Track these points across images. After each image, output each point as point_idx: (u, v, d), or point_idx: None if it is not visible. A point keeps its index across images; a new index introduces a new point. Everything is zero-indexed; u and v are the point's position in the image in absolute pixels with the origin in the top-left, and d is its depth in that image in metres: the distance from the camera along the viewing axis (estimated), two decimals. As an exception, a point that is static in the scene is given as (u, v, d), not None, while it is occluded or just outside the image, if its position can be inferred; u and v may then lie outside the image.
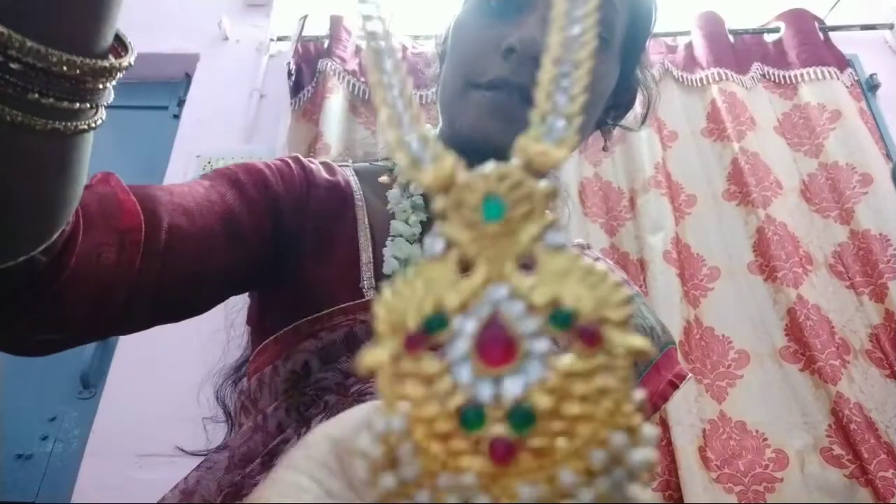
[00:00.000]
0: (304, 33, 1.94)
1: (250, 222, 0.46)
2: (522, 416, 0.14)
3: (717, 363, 1.46)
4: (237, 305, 0.59)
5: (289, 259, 0.50)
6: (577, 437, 0.14)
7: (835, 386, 1.37)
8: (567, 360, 0.14)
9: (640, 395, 0.14)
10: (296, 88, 1.86)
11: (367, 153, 1.74)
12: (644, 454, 0.13)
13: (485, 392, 0.14)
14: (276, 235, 0.49)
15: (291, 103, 1.83)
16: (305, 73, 1.89)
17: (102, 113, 0.31)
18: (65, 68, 0.27)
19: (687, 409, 1.38)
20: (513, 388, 0.14)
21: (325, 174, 0.55)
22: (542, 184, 0.16)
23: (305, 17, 1.93)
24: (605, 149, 0.64)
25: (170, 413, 1.17)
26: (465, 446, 0.14)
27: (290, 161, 0.54)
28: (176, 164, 1.83)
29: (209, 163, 1.83)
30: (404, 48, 1.91)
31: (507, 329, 0.15)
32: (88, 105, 0.29)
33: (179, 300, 0.43)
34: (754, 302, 1.54)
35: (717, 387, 1.43)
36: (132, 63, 0.31)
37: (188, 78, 2.05)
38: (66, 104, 0.28)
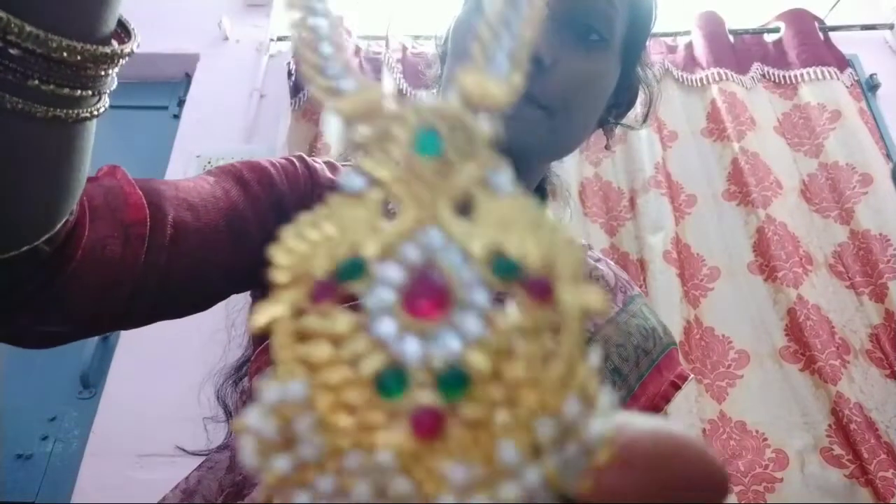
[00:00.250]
0: (304, 33, 1.93)
1: (254, 219, 0.46)
2: (454, 381, 0.11)
3: (717, 363, 1.47)
4: (238, 304, 0.59)
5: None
6: (521, 405, 0.11)
7: (835, 386, 1.37)
8: (511, 316, 0.12)
9: (595, 357, 0.12)
10: (296, 88, 1.86)
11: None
12: (603, 425, 0.11)
13: (411, 349, 0.12)
14: (280, 233, 0.49)
15: (291, 103, 1.83)
16: (305, 73, 1.88)
17: (105, 100, 0.30)
18: (65, 54, 0.26)
19: (687, 409, 1.38)
20: (449, 345, 0.12)
21: (328, 173, 0.55)
22: (485, 124, 0.13)
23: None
24: (607, 147, 0.64)
25: (170, 413, 1.17)
26: (381, 419, 0.11)
27: (294, 160, 0.54)
28: (176, 164, 1.83)
29: (209, 163, 1.83)
30: (404, 48, 1.91)
31: (440, 278, 0.12)
32: (90, 92, 0.29)
33: (183, 295, 0.43)
34: (754, 302, 1.54)
35: (717, 387, 1.43)
36: (135, 50, 0.30)
37: (188, 78, 2.05)
38: (67, 91, 0.27)
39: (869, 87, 1.89)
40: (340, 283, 0.12)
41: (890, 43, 2.01)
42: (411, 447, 0.11)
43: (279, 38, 2.03)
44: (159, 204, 0.40)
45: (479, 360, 0.11)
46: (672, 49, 1.94)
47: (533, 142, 0.50)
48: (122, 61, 0.29)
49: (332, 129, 1.72)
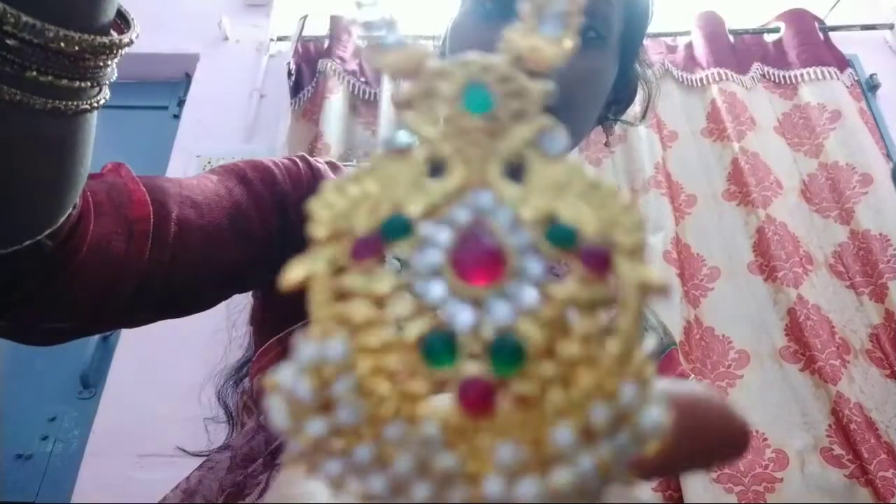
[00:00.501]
0: (304, 33, 1.94)
1: (258, 218, 0.46)
2: (508, 353, 0.11)
3: (717, 363, 1.47)
4: (239, 305, 0.59)
5: (294, 257, 0.50)
6: (576, 385, 0.10)
7: (835, 386, 1.37)
8: (568, 288, 0.11)
9: (651, 342, 0.11)
10: (296, 88, 1.86)
11: (368, 153, 1.74)
12: (658, 414, 0.10)
13: (463, 316, 0.11)
14: (283, 233, 0.49)
15: (291, 103, 1.83)
16: (305, 73, 1.89)
17: (106, 92, 0.30)
18: (62, 44, 0.26)
19: (687, 409, 1.38)
20: (501, 314, 0.11)
21: (331, 174, 0.55)
22: (538, 83, 0.12)
23: (305, 17, 1.93)
24: (607, 144, 0.64)
25: (170, 413, 1.17)
26: (426, 389, 0.11)
27: (297, 160, 0.54)
28: (176, 164, 1.83)
29: (209, 163, 1.83)
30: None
31: (493, 242, 0.11)
32: (90, 83, 0.28)
33: (186, 293, 0.43)
34: (754, 302, 1.54)
35: (717, 387, 1.43)
36: (133, 40, 0.30)
37: (188, 78, 2.05)
38: (65, 82, 0.27)
39: (869, 87, 1.89)
40: (384, 242, 0.11)
41: (890, 43, 2.01)
42: (458, 422, 0.10)
43: (279, 38, 2.03)
44: (163, 201, 0.40)
45: (533, 333, 0.11)
46: (672, 49, 1.94)
47: None
48: (121, 52, 0.29)
49: (332, 129, 1.73)
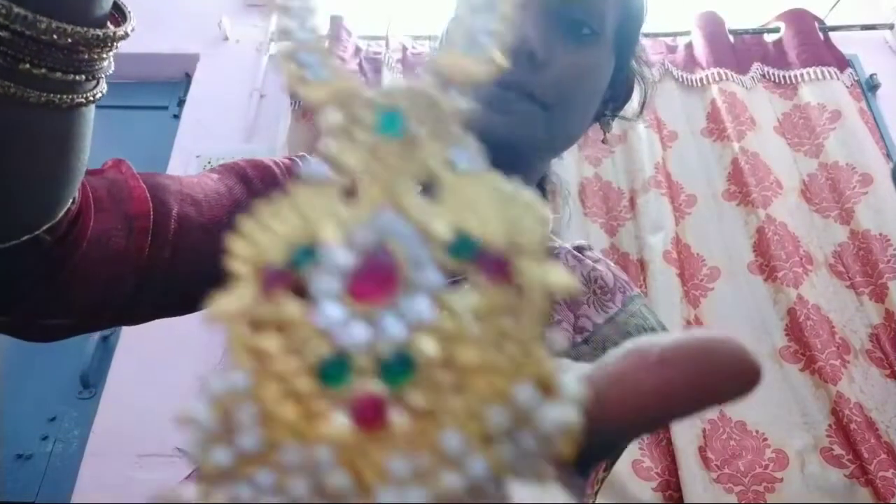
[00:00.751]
0: (304, 33, 1.93)
1: None
2: (398, 367, 0.11)
3: (718, 363, 1.46)
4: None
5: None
6: (472, 392, 0.10)
7: (835, 386, 1.37)
8: (464, 297, 0.11)
9: (560, 339, 0.11)
10: (296, 88, 1.86)
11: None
12: (562, 412, 0.10)
13: (356, 334, 0.11)
14: None
15: (291, 103, 1.83)
16: (305, 73, 1.88)
17: (103, 86, 0.30)
18: (55, 36, 0.25)
19: (687, 409, 1.38)
20: (393, 330, 0.11)
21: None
22: (453, 98, 0.13)
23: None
24: (604, 141, 0.64)
25: (170, 413, 1.16)
26: (324, 409, 0.11)
27: (297, 160, 0.54)
28: (176, 164, 1.83)
29: (209, 163, 1.83)
30: (404, 48, 1.91)
31: (389, 260, 0.12)
32: (85, 77, 0.28)
33: (186, 291, 0.43)
34: (754, 302, 1.54)
35: (718, 387, 1.43)
36: (129, 33, 0.29)
37: (188, 78, 2.05)
38: (59, 75, 0.27)
39: (869, 87, 1.89)
40: (294, 271, 0.12)
41: (890, 43, 2.01)
42: (352, 438, 0.11)
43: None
44: (163, 198, 0.40)
45: (425, 345, 0.11)
46: (672, 49, 1.94)
47: (531, 137, 0.50)
48: (116, 45, 0.29)
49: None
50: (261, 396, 0.11)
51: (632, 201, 1.70)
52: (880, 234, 1.56)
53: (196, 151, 1.85)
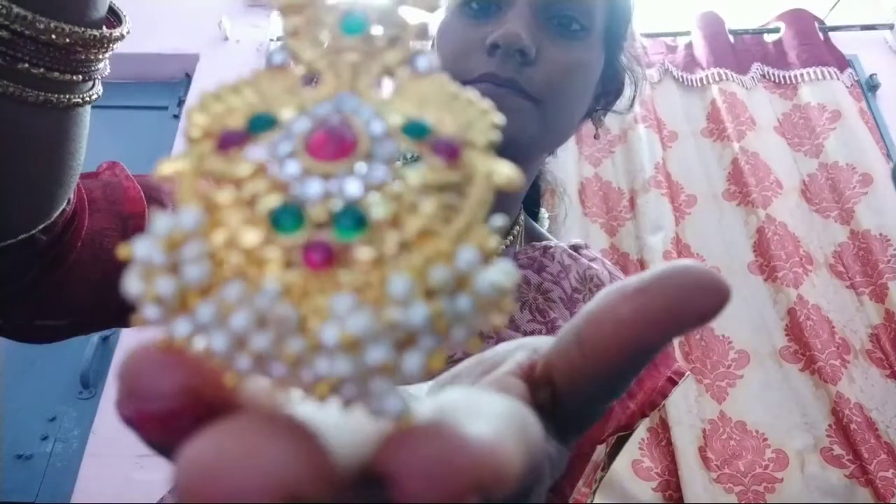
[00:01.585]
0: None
1: None
2: (350, 220, 0.11)
3: (717, 363, 1.47)
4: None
5: None
6: (417, 252, 0.11)
7: (835, 386, 1.37)
8: (419, 171, 0.12)
9: (500, 220, 0.12)
10: (296, 88, 1.86)
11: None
12: (496, 276, 0.11)
13: (312, 189, 0.11)
14: None
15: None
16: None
17: (98, 87, 0.30)
18: (53, 36, 0.26)
19: (687, 409, 1.38)
20: (349, 188, 0.11)
21: None
22: (415, 18, 0.14)
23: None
24: (596, 136, 0.64)
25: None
26: (273, 256, 0.11)
27: None
28: (176, 164, 1.83)
29: (209, 163, 1.83)
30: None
31: (349, 131, 0.12)
32: (82, 77, 0.29)
33: None
34: (754, 302, 1.54)
35: (717, 387, 1.43)
36: (125, 35, 0.30)
37: (188, 78, 2.05)
38: (57, 75, 0.27)
39: (869, 88, 1.89)
40: (250, 135, 0.12)
41: (890, 43, 2.01)
42: (299, 280, 0.11)
43: (279, 38, 2.03)
44: (158, 198, 0.40)
45: (380, 206, 0.11)
46: (672, 49, 1.94)
47: (524, 133, 0.50)
48: (112, 46, 0.29)
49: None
50: (209, 241, 0.11)
51: (632, 201, 1.70)
52: (880, 234, 1.56)
53: (196, 151, 1.85)
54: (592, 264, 0.59)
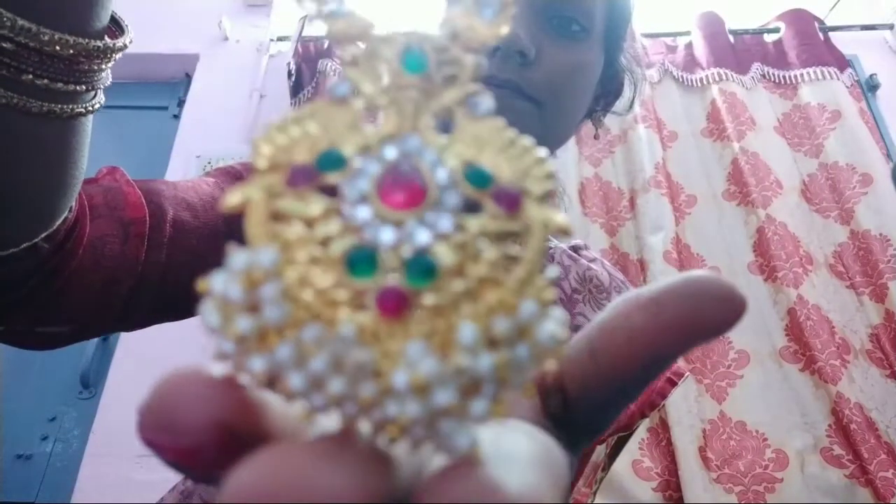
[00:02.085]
0: (304, 33, 1.94)
1: None
2: (422, 268, 0.12)
3: (717, 363, 1.47)
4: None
5: None
6: (482, 300, 0.12)
7: (835, 386, 1.37)
8: (481, 220, 0.12)
9: (554, 271, 0.12)
10: (296, 88, 1.86)
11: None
12: (554, 327, 0.12)
13: (385, 236, 0.12)
14: None
15: (291, 103, 1.83)
16: (305, 74, 1.89)
17: (100, 97, 0.31)
18: (58, 48, 0.26)
19: (687, 409, 1.38)
20: (419, 237, 0.12)
21: None
22: (472, 56, 0.14)
23: (305, 17, 1.93)
24: (596, 136, 0.64)
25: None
26: (345, 297, 0.11)
27: None
28: (176, 164, 1.83)
29: (209, 163, 1.83)
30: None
31: (416, 177, 0.13)
32: (84, 87, 0.29)
33: (182, 296, 0.43)
34: (754, 302, 1.54)
35: (717, 387, 1.43)
36: (128, 45, 0.30)
37: (188, 78, 2.05)
38: (60, 86, 0.27)
39: (869, 88, 1.89)
40: (319, 173, 0.13)
41: (890, 43, 2.01)
42: (373, 325, 0.11)
43: (279, 38, 2.03)
44: (159, 203, 0.40)
45: (445, 253, 0.12)
46: (672, 49, 1.94)
47: (526, 134, 0.50)
48: (115, 56, 0.29)
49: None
50: (284, 277, 0.11)
51: (632, 201, 1.70)
52: (880, 234, 1.56)
53: (196, 151, 1.85)
54: (592, 265, 0.60)
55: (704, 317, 0.13)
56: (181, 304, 0.44)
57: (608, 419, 0.17)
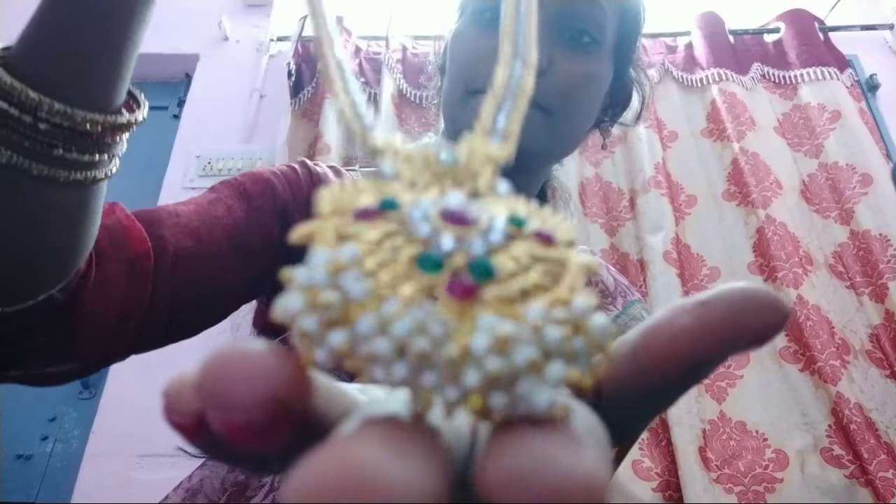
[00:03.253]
0: (304, 33, 1.94)
1: (258, 232, 0.47)
2: (483, 269, 0.13)
3: (718, 363, 1.47)
4: (244, 308, 0.59)
5: (298, 263, 0.50)
6: (537, 299, 0.13)
7: (835, 386, 1.37)
8: (525, 244, 0.14)
9: (592, 296, 0.13)
10: (296, 88, 1.86)
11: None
12: (604, 320, 0.13)
13: (447, 242, 0.13)
14: (285, 242, 0.49)
15: (291, 103, 1.83)
16: (305, 74, 1.89)
17: (117, 162, 0.33)
18: (88, 126, 0.29)
19: (687, 409, 1.38)
20: (476, 246, 0.13)
21: (332, 177, 0.56)
22: (495, 147, 0.16)
23: (305, 17, 1.93)
24: (603, 147, 0.65)
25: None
26: (417, 288, 0.12)
27: (296, 166, 0.54)
28: (176, 164, 1.83)
29: (209, 163, 1.83)
30: (404, 48, 1.91)
31: (466, 212, 0.14)
32: (106, 156, 0.32)
33: (192, 318, 0.44)
34: (754, 302, 1.54)
35: (717, 387, 1.43)
36: (146, 116, 0.34)
37: (188, 78, 2.05)
38: (87, 157, 0.30)
39: (869, 88, 1.90)
40: (382, 211, 0.14)
41: (890, 43, 2.02)
42: (446, 308, 0.12)
43: (279, 38, 2.03)
44: (160, 234, 0.41)
45: (505, 261, 0.13)
46: (672, 49, 1.94)
47: (535, 144, 0.50)
48: (134, 128, 0.33)
49: (332, 129, 1.72)
50: (363, 266, 0.12)
51: (632, 201, 1.70)
52: (880, 235, 1.56)
53: (196, 151, 1.85)
54: (598, 270, 0.60)
55: (747, 321, 0.13)
56: (191, 325, 0.45)
57: (638, 425, 0.17)
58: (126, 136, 0.33)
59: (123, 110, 0.32)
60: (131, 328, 0.39)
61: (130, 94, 0.34)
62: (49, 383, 0.39)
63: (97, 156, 0.31)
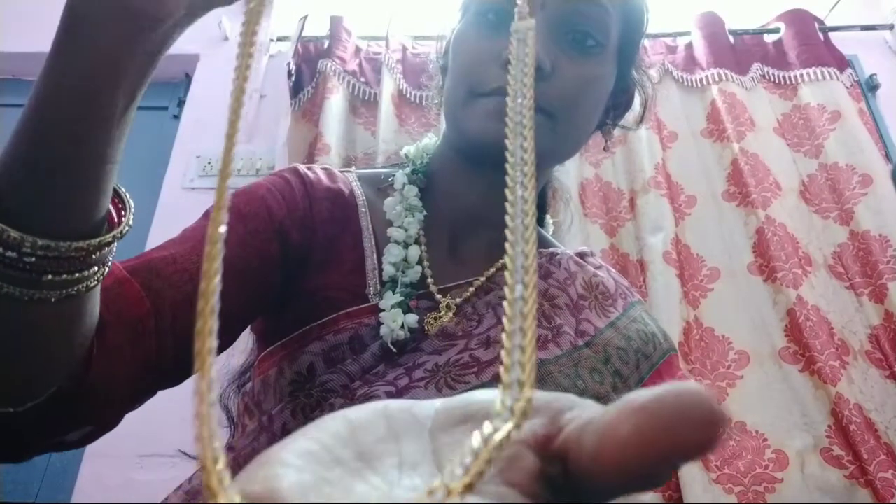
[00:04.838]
0: (304, 33, 1.93)
1: (256, 256, 0.47)
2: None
3: (717, 364, 1.47)
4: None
5: (298, 272, 0.51)
6: None
7: (834, 387, 1.37)
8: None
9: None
10: (296, 89, 1.86)
11: (367, 154, 1.74)
12: None
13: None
14: (285, 256, 0.50)
15: (291, 103, 1.83)
16: (305, 74, 1.89)
17: (106, 268, 0.34)
18: (74, 253, 0.30)
19: (687, 409, 1.38)
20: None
21: (326, 182, 0.56)
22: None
23: (305, 17, 1.93)
24: (605, 148, 0.65)
25: (171, 414, 1.16)
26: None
27: (288, 177, 0.54)
28: (176, 165, 1.83)
29: (209, 163, 1.83)
30: (404, 48, 1.91)
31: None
32: (96, 268, 0.32)
33: (190, 362, 0.45)
34: (754, 303, 1.54)
35: (717, 387, 1.43)
36: (131, 224, 0.34)
37: (188, 78, 2.05)
38: (77, 275, 0.31)
39: (869, 88, 1.89)
40: None
41: (890, 43, 2.01)
42: None
43: (279, 38, 2.02)
44: (158, 288, 0.41)
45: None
46: (672, 49, 1.94)
47: (538, 146, 0.50)
48: (120, 237, 0.33)
49: (331, 129, 1.72)
50: None
51: (632, 202, 1.70)
52: (880, 235, 1.56)
53: (196, 151, 1.85)
54: (598, 272, 0.60)
55: (681, 432, 0.12)
56: (190, 368, 0.45)
57: (614, 499, 0.15)
58: (114, 245, 0.33)
59: (108, 222, 0.33)
60: (142, 387, 0.40)
61: (115, 192, 0.34)
62: (71, 448, 0.40)
63: (86, 271, 0.31)
